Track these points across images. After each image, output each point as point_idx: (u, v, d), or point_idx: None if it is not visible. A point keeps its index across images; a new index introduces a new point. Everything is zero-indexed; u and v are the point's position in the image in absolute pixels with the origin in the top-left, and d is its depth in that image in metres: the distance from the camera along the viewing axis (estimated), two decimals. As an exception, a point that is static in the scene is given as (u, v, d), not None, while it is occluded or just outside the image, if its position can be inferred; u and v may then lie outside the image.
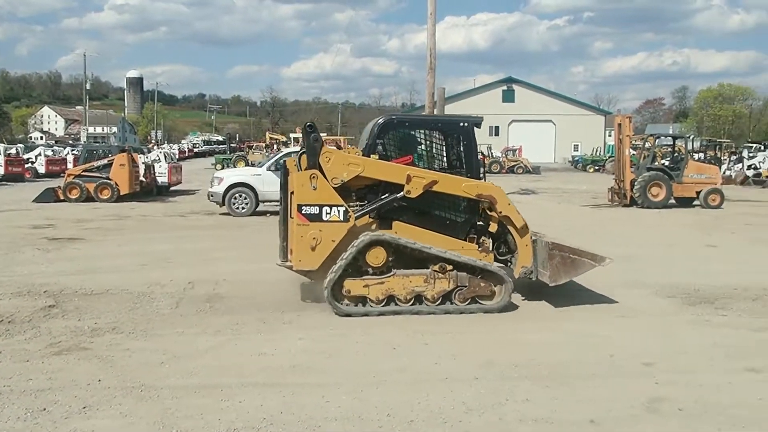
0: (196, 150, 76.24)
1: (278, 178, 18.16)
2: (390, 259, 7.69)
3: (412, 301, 7.71)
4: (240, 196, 18.40)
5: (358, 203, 7.87)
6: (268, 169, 18.60)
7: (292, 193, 7.76)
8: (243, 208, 18.31)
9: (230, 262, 11.08)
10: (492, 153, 48.29)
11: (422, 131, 8.38)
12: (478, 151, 8.28)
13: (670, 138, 27.49)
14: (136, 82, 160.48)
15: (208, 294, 8.62)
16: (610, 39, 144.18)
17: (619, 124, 22.25)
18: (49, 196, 21.83)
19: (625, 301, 8.45)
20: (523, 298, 8.52)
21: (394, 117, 8.36)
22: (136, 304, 8.04)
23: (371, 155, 7.92)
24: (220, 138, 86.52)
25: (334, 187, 7.61)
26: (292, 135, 53.91)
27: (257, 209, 18.53)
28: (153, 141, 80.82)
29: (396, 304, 7.69)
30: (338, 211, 7.59)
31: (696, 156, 35.85)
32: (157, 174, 25.37)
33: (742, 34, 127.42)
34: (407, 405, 5.03)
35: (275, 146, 52.54)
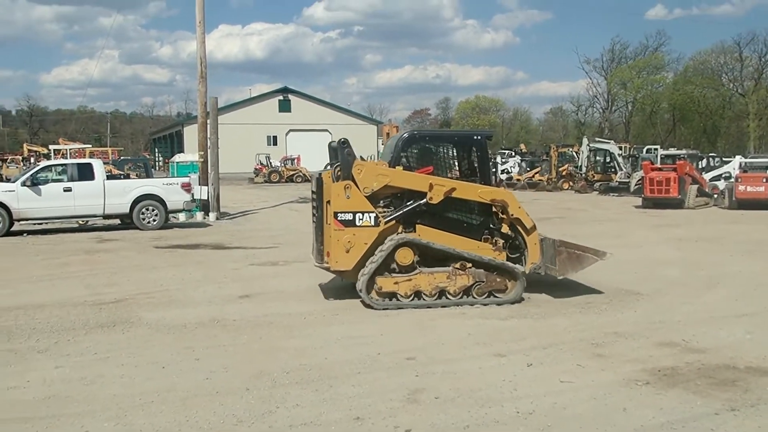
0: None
1: (35, 194, 16.86)
2: (416, 258, 8.52)
3: (437, 295, 8.56)
4: (-11, 215, 16.53)
5: (386, 210, 8.72)
6: (23, 184, 16.95)
7: (328, 202, 8.58)
8: (-7, 229, 16.46)
9: (-24, 289, 9.93)
10: (270, 162, 48.39)
11: (441, 144, 9.39)
12: (491, 161, 9.21)
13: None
14: None
15: (-53, 327, 7.67)
16: (380, 52, 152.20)
17: (388, 133, 23.41)
18: None
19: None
20: (292, 304, 8.71)
21: (416, 132, 9.77)
22: None
23: (396, 167, 8.78)
24: (-34, 151, 76.86)
25: (365, 196, 8.46)
26: (52, 147, 49.31)
27: (11, 229, 16.79)
28: None
29: (423, 299, 8.55)
30: (370, 216, 8.51)
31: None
32: None
33: (493, 51, 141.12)
34: (175, 424, 4.92)
35: (34, 159, 47.78)
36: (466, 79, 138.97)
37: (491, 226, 9.02)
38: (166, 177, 27.55)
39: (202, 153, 21.33)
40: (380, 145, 63.36)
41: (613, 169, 33.93)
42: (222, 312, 8.37)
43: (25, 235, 16.90)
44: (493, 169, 40.71)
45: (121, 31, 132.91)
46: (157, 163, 69.07)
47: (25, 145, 59.55)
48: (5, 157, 54.84)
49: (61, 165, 19.19)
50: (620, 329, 7.48)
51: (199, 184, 20.71)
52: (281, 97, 68.84)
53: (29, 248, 14.71)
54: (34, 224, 17.73)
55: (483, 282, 8.70)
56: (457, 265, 8.62)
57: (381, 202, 8.76)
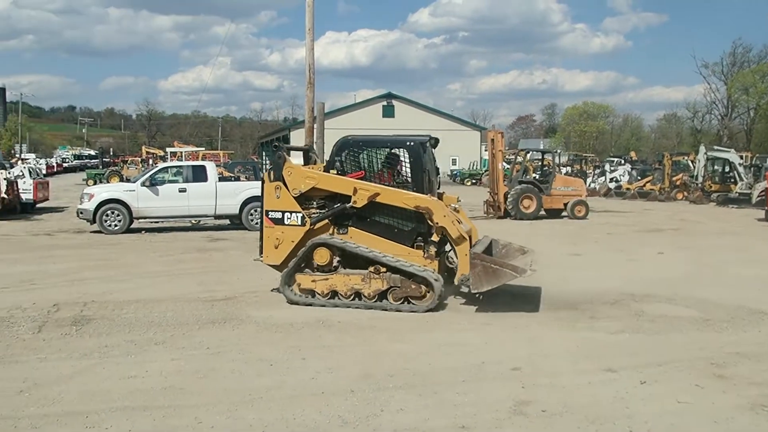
0: (65, 165, 72.12)
1: (153, 194, 17.82)
2: (337, 259, 8.84)
3: (353, 296, 8.77)
4: (112, 212, 17.63)
5: (319, 211, 9.07)
6: (143, 184, 17.95)
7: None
8: (115, 226, 17.54)
9: (100, 282, 10.57)
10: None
11: (374, 150, 9.46)
12: (426, 167, 9.30)
13: (539, 153, 28.98)
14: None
15: (75, 316, 8.19)
16: (484, 58, 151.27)
17: (492, 139, 23.25)
18: None
19: (492, 308, 8.80)
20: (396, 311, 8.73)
21: (350, 138, 9.52)
22: (-6, 330, 7.51)
23: (330, 170, 9.19)
24: (93, 152, 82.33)
25: (294, 197, 8.92)
26: (169, 149, 52.05)
27: (131, 226, 17.82)
28: (17, 155, 75.67)
29: (339, 298, 8.79)
30: (297, 216, 8.97)
31: (563, 170, 38.04)
32: (21, 190, 23.77)
33: (602, 55, 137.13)
34: (283, 421, 5.02)
35: (151, 161, 50.57)
36: (574, 84, 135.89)
37: (422, 233, 8.95)
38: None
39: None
40: (483, 152, 62.99)
41: (732, 180, 31.98)
42: (327, 313, 8.49)
43: (143, 232, 17.88)
44: (603, 177, 39.67)
45: (234, 39, 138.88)
46: (264, 167, 71.43)
47: (143, 147, 63.17)
48: (126, 159, 58.40)
49: (177, 167, 20.14)
50: (743, 349, 7.01)
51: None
52: (385, 103, 69.54)
53: (147, 245, 15.54)
54: (151, 223, 18.71)
55: (398, 287, 8.66)
56: (372, 269, 8.72)
57: (315, 203, 9.15)
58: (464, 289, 9.09)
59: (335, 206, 8.98)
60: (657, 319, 8.38)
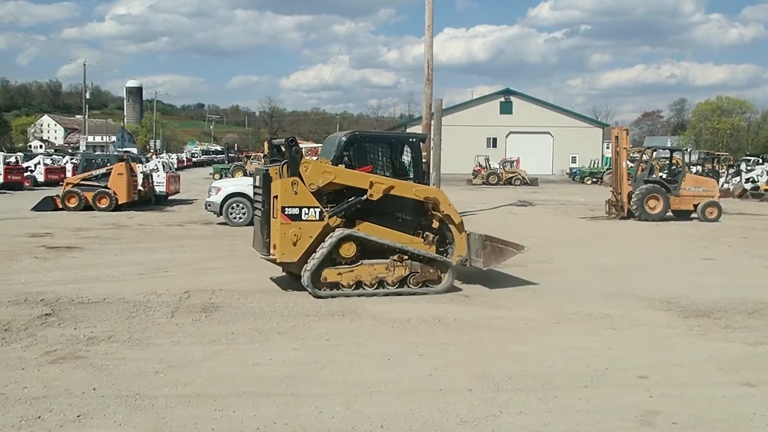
0: (194, 159, 76.29)
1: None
2: (358, 251, 9.11)
3: (376, 285, 9.18)
4: (237, 205, 18.43)
5: (329, 205, 9.23)
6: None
7: (275, 196, 9.05)
8: (240, 218, 18.33)
9: (226, 272, 11.10)
10: (489, 164, 48.37)
11: (379, 145, 10.00)
12: (423, 161, 10.17)
13: (667, 151, 27.59)
14: (136, 92, 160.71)
15: (204, 303, 8.63)
16: (608, 51, 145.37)
17: (617, 137, 22.33)
18: (47, 205, 21.83)
19: (620, 312, 8.47)
20: (511, 309, 8.58)
21: (357, 133, 10.15)
22: (132, 314, 8.05)
23: (338, 165, 9.40)
24: (219, 148, 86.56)
25: (311, 192, 9.00)
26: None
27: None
28: (152, 150, 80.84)
29: (363, 288, 9.13)
30: (315, 211, 9.03)
31: (693, 169, 35.97)
32: (155, 183, 25.39)
33: (740, 47, 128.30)
34: (401, 416, 5.04)
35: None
36: (706, 78, 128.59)
37: (422, 221, 9.67)
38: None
39: (425, 153, 21.82)
40: (605, 149, 60.77)
41: None
42: (443, 310, 8.47)
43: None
44: (738, 177, 37.20)
45: (353, 37, 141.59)
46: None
47: (265, 143, 65.68)
48: (249, 154, 60.96)
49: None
50: None
51: (422, 184, 21.26)
52: (503, 99, 68.55)
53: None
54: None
55: (418, 273, 9.32)
56: (396, 257, 9.20)
57: (325, 198, 9.24)
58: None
59: (350, 200, 9.21)
60: (801, 331, 7.74)
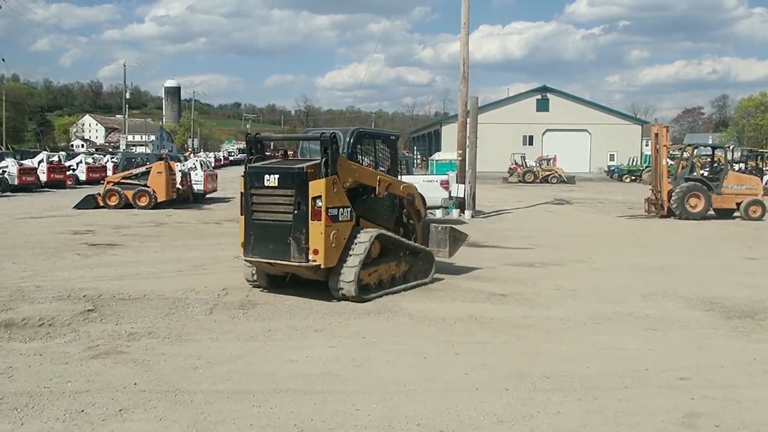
0: (231, 158, 77.19)
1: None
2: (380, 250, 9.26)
3: (390, 282, 9.32)
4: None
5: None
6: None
7: (316, 197, 8.28)
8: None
9: (264, 269, 11.17)
10: (526, 162, 47.96)
11: (377, 142, 10.02)
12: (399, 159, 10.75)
13: (709, 148, 26.99)
14: (174, 92, 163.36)
15: (242, 301, 8.72)
16: (647, 48, 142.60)
17: (656, 134, 21.95)
18: (89, 203, 22.31)
19: (661, 313, 8.32)
20: (549, 308, 8.49)
21: (362, 130, 9.77)
22: (172, 310, 8.18)
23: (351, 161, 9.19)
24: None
25: (345, 191, 8.72)
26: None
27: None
28: (190, 149, 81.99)
29: (382, 287, 9.15)
30: (347, 211, 8.73)
31: (736, 166, 35.11)
32: (193, 182, 25.75)
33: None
34: (437, 415, 5.03)
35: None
36: (749, 74, 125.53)
37: (397, 216, 10.04)
38: (426, 174, 28.61)
39: (461, 152, 21.76)
40: (644, 147, 59.75)
41: None
42: (479, 309, 8.42)
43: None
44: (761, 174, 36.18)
45: (388, 35, 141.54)
46: (415, 161, 72.34)
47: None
48: (285, 153, 61.43)
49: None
50: None
51: (457, 182, 21.21)
52: (539, 96, 67.91)
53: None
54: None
55: (413, 266, 9.72)
56: (401, 253, 9.51)
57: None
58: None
59: (364, 198, 9.26)
60: None
